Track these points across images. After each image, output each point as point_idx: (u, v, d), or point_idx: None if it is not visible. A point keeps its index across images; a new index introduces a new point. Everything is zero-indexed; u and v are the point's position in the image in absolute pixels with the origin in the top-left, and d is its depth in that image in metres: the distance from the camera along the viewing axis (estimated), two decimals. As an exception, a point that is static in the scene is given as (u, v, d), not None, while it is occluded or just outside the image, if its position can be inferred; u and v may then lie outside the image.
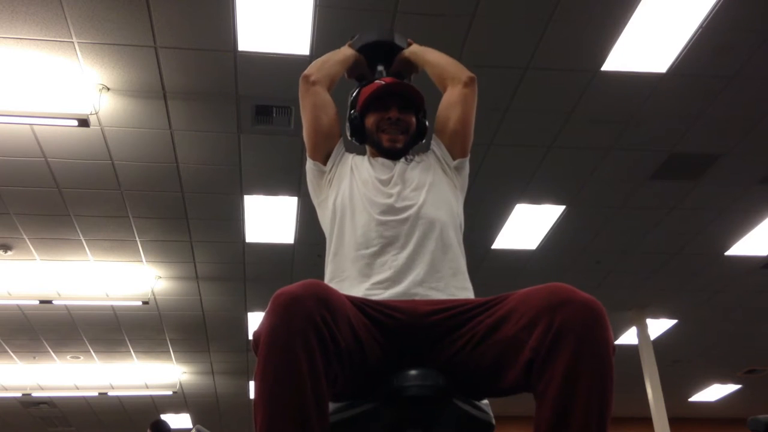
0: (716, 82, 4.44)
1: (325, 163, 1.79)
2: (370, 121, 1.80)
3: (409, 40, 2.02)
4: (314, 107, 1.82)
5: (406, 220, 1.61)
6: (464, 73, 1.87)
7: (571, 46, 4.13)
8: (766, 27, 4.04)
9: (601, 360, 1.20)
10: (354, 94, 1.92)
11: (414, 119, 1.81)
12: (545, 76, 4.35)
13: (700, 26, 3.98)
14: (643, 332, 7.63)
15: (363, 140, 1.84)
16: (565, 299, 1.23)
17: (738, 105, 4.62)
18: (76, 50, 3.98)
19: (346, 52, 1.97)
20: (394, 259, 1.55)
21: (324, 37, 3.96)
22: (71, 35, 3.87)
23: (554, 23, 3.96)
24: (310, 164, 1.82)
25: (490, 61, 4.22)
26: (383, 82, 1.81)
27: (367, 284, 1.53)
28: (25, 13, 3.71)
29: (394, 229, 1.60)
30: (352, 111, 1.86)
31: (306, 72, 1.87)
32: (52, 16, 3.74)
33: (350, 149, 1.87)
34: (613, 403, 1.21)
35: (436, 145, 1.83)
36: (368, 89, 1.82)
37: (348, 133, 1.87)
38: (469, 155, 1.83)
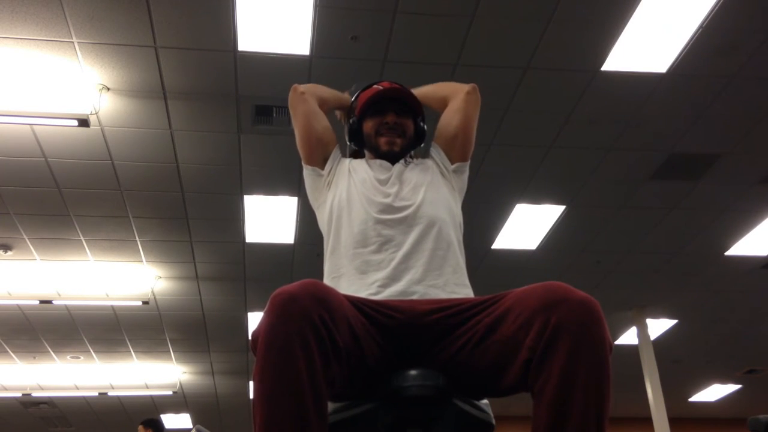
0: (716, 82, 4.44)
1: (322, 167, 1.81)
2: (368, 125, 1.82)
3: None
4: (305, 115, 1.84)
5: (404, 219, 1.62)
6: (465, 85, 1.89)
7: (571, 46, 4.13)
8: (766, 27, 4.04)
9: (598, 358, 1.20)
10: (352, 100, 1.94)
11: (412, 123, 1.83)
12: (545, 76, 4.35)
13: (700, 26, 3.98)
14: (643, 332, 7.62)
15: (361, 145, 1.86)
16: (561, 298, 1.23)
17: (738, 105, 4.62)
18: (76, 50, 3.98)
19: (343, 94, 2.00)
20: (392, 257, 1.55)
21: (324, 37, 3.96)
22: (71, 35, 3.87)
23: (554, 23, 3.96)
24: (307, 170, 1.83)
25: (490, 61, 4.22)
26: (381, 87, 1.83)
27: (365, 282, 1.53)
28: (25, 13, 3.71)
29: (392, 227, 1.60)
30: (351, 116, 1.88)
31: (297, 85, 1.90)
32: (52, 16, 3.74)
33: (346, 155, 1.88)
34: (610, 401, 1.21)
35: (435, 151, 1.86)
36: (366, 95, 1.85)
37: (347, 138, 1.89)
38: (469, 160, 1.84)
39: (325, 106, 1.92)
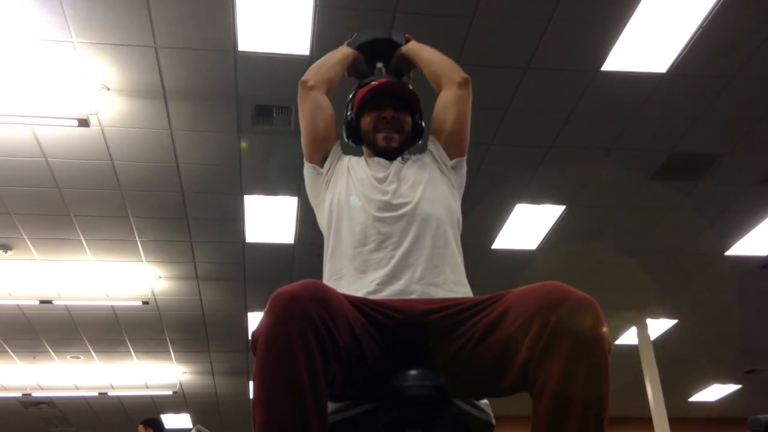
0: (716, 82, 4.43)
1: (322, 165, 1.81)
2: (366, 121, 1.81)
3: (407, 36, 2.03)
4: (311, 112, 1.84)
5: (402, 216, 1.62)
6: (459, 74, 1.88)
7: (571, 46, 4.12)
8: (766, 27, 4.04)
9: (597, 358, 1.20)
10: (351, 95, 1.94)
11: (409, 119, 1.83)
12: (545, 76, 4.35)
13: (700, 26, 3.98)
14: (643, 332, 7.62)
15: (359, 141, 1.87)
16: (560, 298, 1.23)
17: (738, 105, 4.62)
18: (76, 50, 3.98)
19: (344, 51, 1.99)
20: (391, 256, 1.55)
21: (324, 37, 3.96)
22: (71, 35, 3.87)
23: (554, 23, 3.96)
24: (307, 168, 1.83)
25: (490, 61, 4.21)
26: (378, 83, 1.82)
27: (364, 281, 1.53)
28: (25, 13, 3.71)
29: (391, 225, 1.60)
30: (349, 113, 1.87)
31: (304, 77, 1.89)
32: (53, 16, 3.74)
33: (347, 151, 1.88)
34: (609, 402, 1.21)
35: (433, 146, 1.84)
36: (363, 90, 1.84)
37: (344, 135, 1.89)
38: (466, 155, 1.84)
39: (335, 83, 1.92)
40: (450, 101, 1.84)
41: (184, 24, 3.87)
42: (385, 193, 1.67)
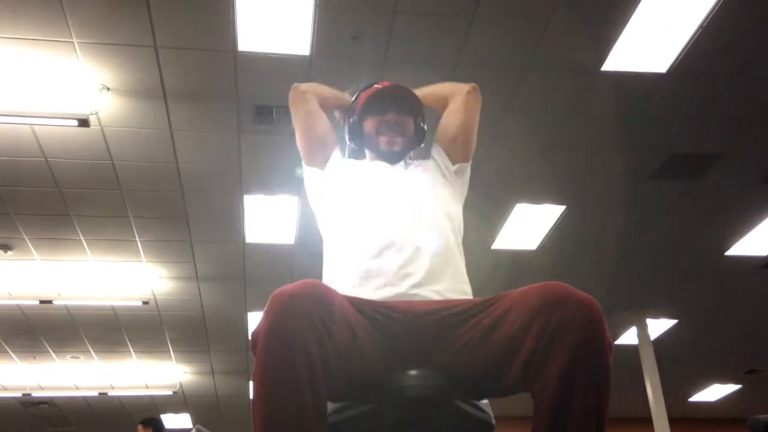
0: (716, 82, 4.43)
1: (322, 168, 1.80)
2: (369, 124, 1.81)
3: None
4: (307, 114, 1.84)
5: (404, 222, 1.61)
6: (466, 85, 1.90)
7: (571, 46, 4.12)
8: (766, 27, 4.04)
9: (598, 359, 1.20)
10: (353, 98, 1.94)
11: (412, 122, 1.83)
12: (545, 76, 4.35)
13: (700, 26, 3.98)
14: (643, 332, 7.62)
15: (362, 144, 1.86)
16: (561, 298, 1.23)
17: (738, 105, 4.61)
18: (76, 50, 3.97)
19: (344, 94, 1.99)
20: (392, 263, 1.54)
21: (324, 37, 3.96)
22: (71, 35, 3.87)
23: (554, 23, 3.96)
24: (307, 171, 1.83)
25: (490, 61, 4.21)
26: (381, 86, 1.83)
27: (365, 287, 1.52)
28: (25, 13, 3.71)
29: (392, 231, 1.59)
30: (351, 116, 1.88)
31: (297, 84, 1.90)
32: (52, 16, 3.74)
33: (348, 154, 1.88)
34: (610, 402, 1.21)
35: (436, 152, 1.85)
36: (366, 94, 1.84)
37: (347, 138, 1.89)
38: (470, 161, 1.84)
39: (326, 105, 1.92)
40: (457, 106, 1.86)
41: (184, 24, 3.87)
42: (387, 198, 1.67)
